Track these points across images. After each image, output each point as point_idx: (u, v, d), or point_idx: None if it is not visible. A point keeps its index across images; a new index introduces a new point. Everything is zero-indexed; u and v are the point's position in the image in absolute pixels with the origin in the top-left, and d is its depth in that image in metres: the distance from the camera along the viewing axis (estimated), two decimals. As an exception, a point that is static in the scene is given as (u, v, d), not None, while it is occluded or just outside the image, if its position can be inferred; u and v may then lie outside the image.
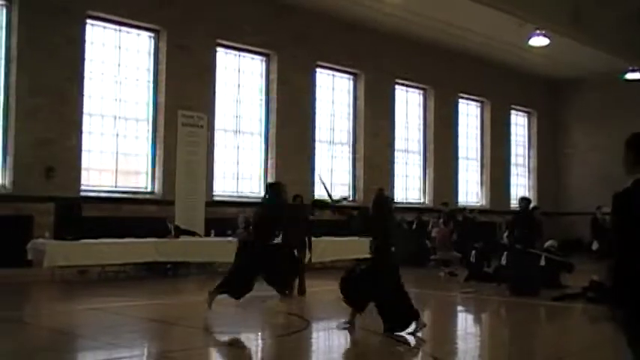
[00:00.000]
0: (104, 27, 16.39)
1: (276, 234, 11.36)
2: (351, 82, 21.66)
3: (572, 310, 11.94)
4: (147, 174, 17.07)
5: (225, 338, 8.97)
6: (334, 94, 21.27)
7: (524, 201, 14.91)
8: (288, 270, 11.79)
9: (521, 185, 27.98)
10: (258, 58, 19.28)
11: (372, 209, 9.58)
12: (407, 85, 23.35)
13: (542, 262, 13.93)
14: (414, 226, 20.68)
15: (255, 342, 9.11)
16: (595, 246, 22.04)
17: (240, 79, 18.94)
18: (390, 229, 9.34)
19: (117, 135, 16.55)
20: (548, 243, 14.67)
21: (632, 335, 4.14)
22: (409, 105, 23.63)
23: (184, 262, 15.72)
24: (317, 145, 20.37)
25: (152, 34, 17.15)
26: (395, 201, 22.22)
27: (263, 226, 10.89)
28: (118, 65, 16.63)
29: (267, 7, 18.86)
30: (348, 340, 9.38)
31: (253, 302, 11.47)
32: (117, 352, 7.52)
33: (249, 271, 10.43)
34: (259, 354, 8.48)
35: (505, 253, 14.48)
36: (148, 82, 17.08)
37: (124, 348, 7.79)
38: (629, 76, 25.23)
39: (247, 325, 9.93)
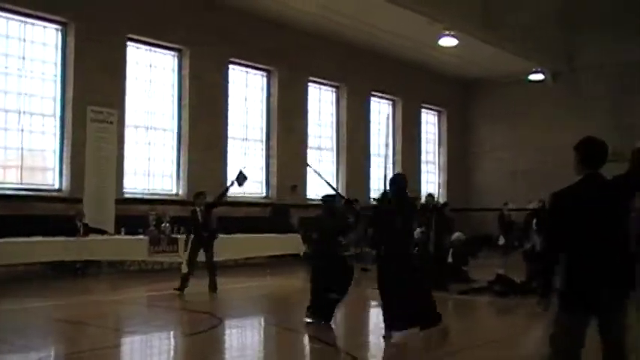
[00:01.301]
0: (7, 19, 15.89)
1: None
2: (265, 79, 21.75)
3: (479, 303, 12.42)
4: (54, 171, 16.67)
5: (136, 337, 8.92)
6: (248, 90, 21.31)
7: (429, 197, 15.34)
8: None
9: (431, 182, 28.75)
10: (170, 53, 19.11)
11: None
12: (320, 83, 23.62)
13: (450, 259, 14.45)
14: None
15: (166, 340, 9.12)
16: (501, 241, 22.99)
17: (152, 75, 18.73)
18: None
19: (22, 130, 16.10)
20: (455, 236, 15.15)
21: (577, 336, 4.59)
22: (322, 103, 23.93)
23: (94, 261, 15.46)
24: (230, 141, 20.37)
25: (60, 27, 16.73)
26: (309, 198, 22.56)
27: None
28: (23, 59, 16.16)
29: (180, 2, 18.73)
30: (262, 337, 9.54)
31: (167, 300, 11.48)
32: (30, 354, 7.42)
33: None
34: (171, 352, 8.51)
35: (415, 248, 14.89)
36: (55, 76, 16.66)
37: (36, 350, 7.67)
38: (533, 77, 26.38)
39: (158, 324, 9.90)
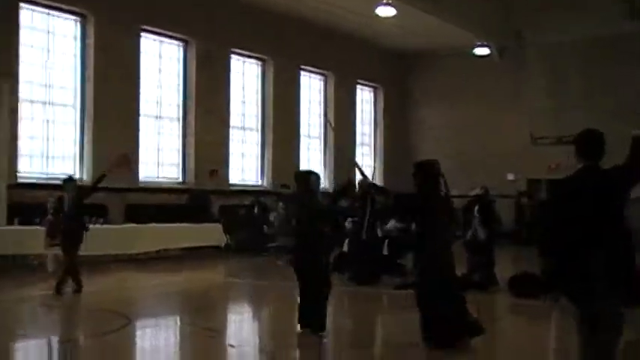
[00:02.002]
0: None
1: None
2: (182, 51, 21.47)
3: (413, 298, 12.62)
4: None
5: (31, 342, 8.75)
6: (162, 63, 21.00)
7: (364, 182, 15.34)
8: None
9: (367, 165, 28.92)
10: (71, 18, 18.64)
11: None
12: (244, 55, 23.48)
13: (385, 251, 14.61)
14: (256, 210, 20.94)
15: (70, 343, 8.96)
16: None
17: (51, 43, 18.23)
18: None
19: None
20: (389, 224, 15.30)
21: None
22: (246, 77, 23.79)
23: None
24: (142, 119, 20.05)
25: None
26: (232, 183, 22.48)
27: None
28: None
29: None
30: (175, 338, 9.49)
31: (64, 299, 11.26)
32: None
33: None
34: (73, 356, 8.37)
35: (347, 240, 15.01)
36: None
37: None
38: (478, 51, 26.84)
39: (61, 325, 9.73)
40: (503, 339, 9.41)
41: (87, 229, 12.10)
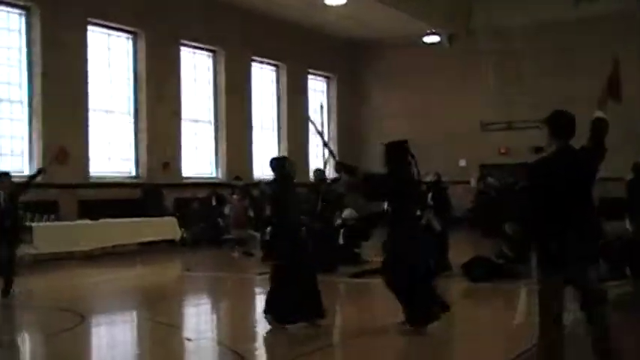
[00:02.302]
0: None
1: None
2: (131, 43, 21.21)
3: (373, 285, 12.70)
4: None
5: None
6: (111, 55, 20.72)
7: (318, 172, 15.37)
8: None
9: (320, 155, 28.92)
10: (16, 12, 18.28)
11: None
12: (195, 47, 23.31)
13: (341, 240, 14.67)
14: (214, 202, 20.86)
15: (22, 343, 8.85)
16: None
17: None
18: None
19: None
20: (345, 213, 15.35)
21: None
22: (198, 69, 23.63)
23: None
24: (92, 114, 19.76)
25: None
26: (185, 176, 22.34)
27: None
28: None
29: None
30: (132, 334, 9.43)
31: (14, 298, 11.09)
32: None
33: None
34: (28, 356, 8.27)
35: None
36: None
37: None
38: (428, 39, 27.04)
39: (13, 325, 9.59)
40: (458, 323, 9.51)
41: (22, 226, 11.74)
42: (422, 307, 8.20)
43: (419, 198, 9.10)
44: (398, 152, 8.49)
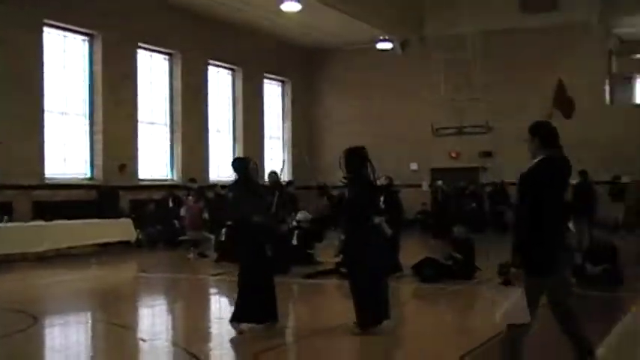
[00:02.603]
0: None
1: None
2: (87, 45, 20.97)
3: (326, 286, 12.76)
4: None
5: None
6: (67, 58, 20.45)
7: (273, 175, 15.37)
8: None
9: (276, 158, 28.94)
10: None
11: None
12: (152, 50, 23.15)
13: (295, 241, 14.70)
14: (170, 204, 20.75)
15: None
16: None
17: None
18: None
19: None
20: (299, 215, 15.39)
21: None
22: (154, 72, 23.45)
23: None
24: (47, 116, 19.48)
25: None
26: (141, 178, 22.17)
27: None
28: None
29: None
30: (86, 335, 9.33)
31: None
32: None
33: None
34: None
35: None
36: None
37: None
38: (381, 45, 27.26)
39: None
40: (409, 322, 9.62)
41: None
42: (375, 307, 8.31)
43: (377, 203, 9.27)
44: (357, 158, 8.65)
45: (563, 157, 5.95)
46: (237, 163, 9.10)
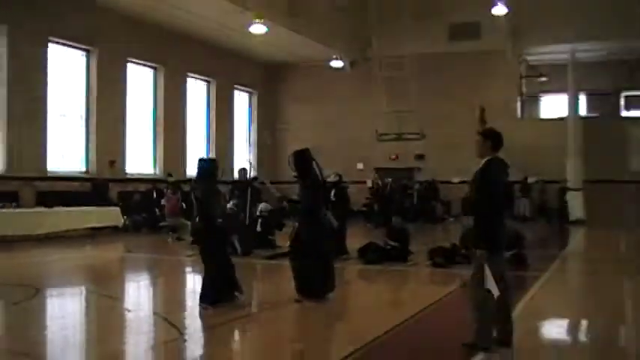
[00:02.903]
0: None
1: None
2: (85, 59, 20.68)
3: (282, 266, 12.82)
4: None
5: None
6: (69, 69, 20.15)
7: (243, 171, 15.45)
8: None
9: (243, 158, 28.88)
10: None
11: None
12: (139, 64, 22.94)
13: (259, 228, 14.74)
14: (154, 195, 20.63)
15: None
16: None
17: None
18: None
19: None
20: (261, 206, 15.44)
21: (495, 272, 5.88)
22: (141, 82, 23.22)
23: None
24: (50, 116, 19.19)
25: None
26: (128, 173, 21.97)
27: None
28: None
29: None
30: (80, 304, 9.29)
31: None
32: None
33: None
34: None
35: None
36: None
37: None
38: (334, 64, 27.40)
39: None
40: (352, 297, 9.76)
41: None
42: (323, 282, 8.53)
43: (324, 196, 9.43)
44: (304, 159, 8.72)
45: (502, 159, 6.15)
46: (206, 163, 8.80)
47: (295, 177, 8.79)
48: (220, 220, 8.40)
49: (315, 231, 8.66)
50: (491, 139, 6.13)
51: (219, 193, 8.71)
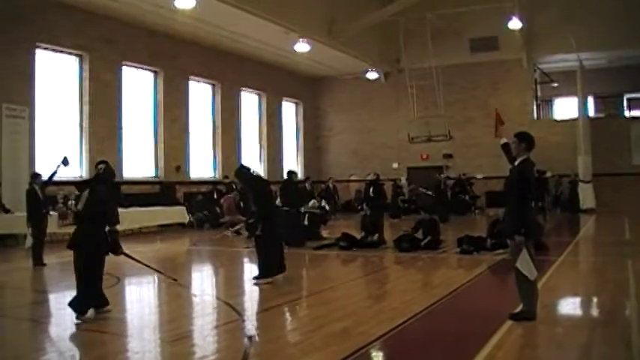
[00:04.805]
0: None
1: None
2: (153, 78, 21.07)
3: (329, 256, 12.89)
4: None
5: (51, 295, 8.60)
6: (139, 89, 20.54)
7: (290, 173, 15.53)
8: None
9: (292, 161, 29.04)
10: (72, 57, 18.05)
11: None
12: (199, 81, 23.22)
13: (306, 222, 14.80)
14: (215, 196, 20.88)
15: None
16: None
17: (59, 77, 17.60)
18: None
19: None
20: (310, 203, 15.50)
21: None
22: (202, 97, 23.48)
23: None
24: (125, 131, 19.61)
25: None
26: (192, 176, 22.18)
27: None
28: None
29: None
30: (154, 290, 9.42)
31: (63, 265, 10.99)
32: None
33: None
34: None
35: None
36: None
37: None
38: (369, 75, 27.33)
39: (65, 285, 9.53)
40: (390, 280, 9.68)
41: (49, 212, 12.09)
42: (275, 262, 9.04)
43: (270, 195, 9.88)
44: (239, 176, 9.69)
45: (531, 159, 6.21)
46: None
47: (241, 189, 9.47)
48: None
49: (272, 225, 9.14)
50: (526, 141, 6.17)
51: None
